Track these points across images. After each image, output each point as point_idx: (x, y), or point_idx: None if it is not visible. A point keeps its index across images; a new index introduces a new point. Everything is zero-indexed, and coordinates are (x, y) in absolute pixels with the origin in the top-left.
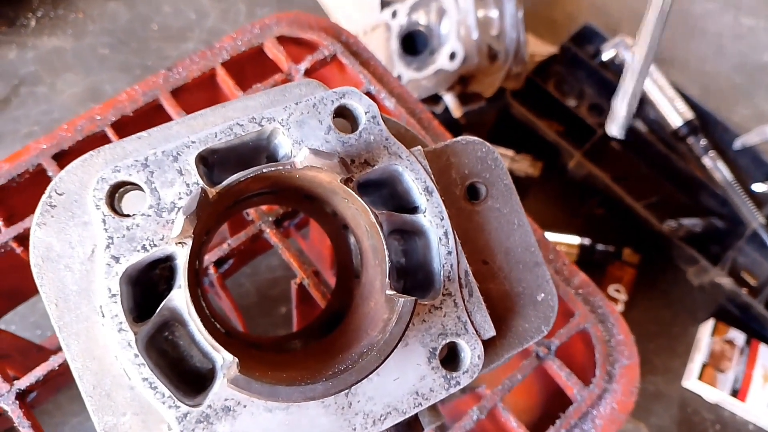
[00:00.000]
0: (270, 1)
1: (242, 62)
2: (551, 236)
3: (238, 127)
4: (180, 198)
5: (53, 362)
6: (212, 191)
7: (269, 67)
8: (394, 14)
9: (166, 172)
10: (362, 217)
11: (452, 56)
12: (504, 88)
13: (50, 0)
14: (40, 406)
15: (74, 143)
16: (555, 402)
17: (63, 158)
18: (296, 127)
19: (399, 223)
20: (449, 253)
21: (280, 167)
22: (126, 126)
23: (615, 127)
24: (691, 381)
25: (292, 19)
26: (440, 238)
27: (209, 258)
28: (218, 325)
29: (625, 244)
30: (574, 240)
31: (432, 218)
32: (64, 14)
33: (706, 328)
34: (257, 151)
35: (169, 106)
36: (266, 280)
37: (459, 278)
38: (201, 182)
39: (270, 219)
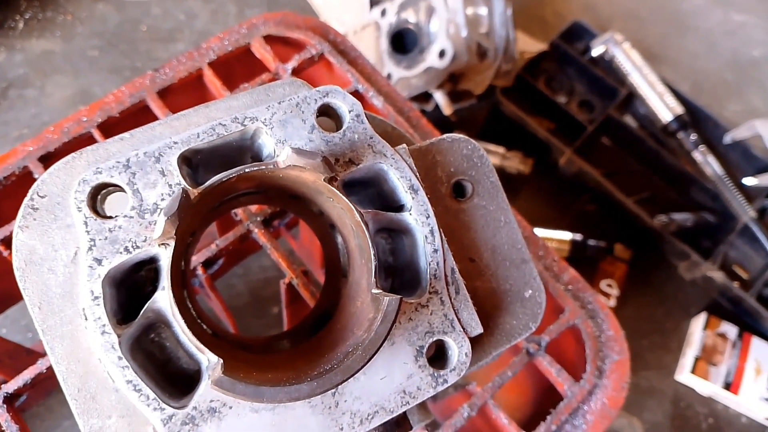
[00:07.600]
0: (260, 3)
1: (230, 62)
2: (543, 232)
3: (221, 127)
4: (162, 199)
5: (41, 365)
6: (194, 192)
7: (257, 67)
8: (383, 13)
9: (148, 173)
10: (348, 216)
11: (442, 54)
12: (494, 86)
13: (38, 2)
14: (31, 410)
15: (61, 145)
16: (546, 398)
17: (49, 160)
18: (279, 127)
19: (385, 222)
20: (435, 250)
21: (263, 167)
22: (113, 127)
23: None
24: (683, 375)
25: (279, 19)
26: (426, 236)
27: (197, 259)
28: (205, 327)
29: (616, 240)
30: (566, 236)
31: (417, 216)
32: (53, 16)
33: (699, 322)
34: (241, 151)
35: (156, 107)
36: (258, 281)
37: (445, 276)
38: (183, 183)
39: (258, 219)
